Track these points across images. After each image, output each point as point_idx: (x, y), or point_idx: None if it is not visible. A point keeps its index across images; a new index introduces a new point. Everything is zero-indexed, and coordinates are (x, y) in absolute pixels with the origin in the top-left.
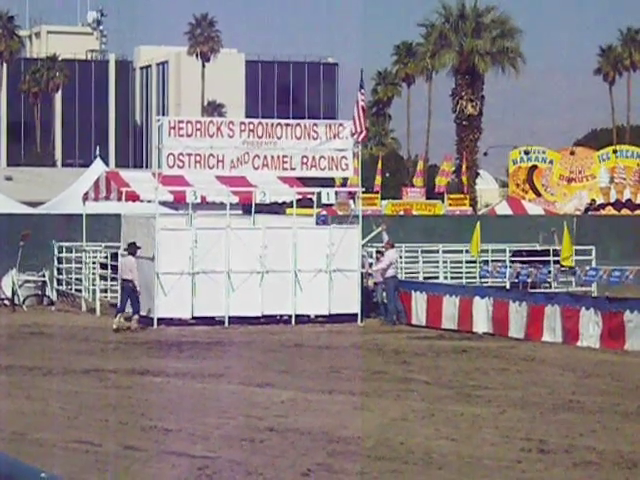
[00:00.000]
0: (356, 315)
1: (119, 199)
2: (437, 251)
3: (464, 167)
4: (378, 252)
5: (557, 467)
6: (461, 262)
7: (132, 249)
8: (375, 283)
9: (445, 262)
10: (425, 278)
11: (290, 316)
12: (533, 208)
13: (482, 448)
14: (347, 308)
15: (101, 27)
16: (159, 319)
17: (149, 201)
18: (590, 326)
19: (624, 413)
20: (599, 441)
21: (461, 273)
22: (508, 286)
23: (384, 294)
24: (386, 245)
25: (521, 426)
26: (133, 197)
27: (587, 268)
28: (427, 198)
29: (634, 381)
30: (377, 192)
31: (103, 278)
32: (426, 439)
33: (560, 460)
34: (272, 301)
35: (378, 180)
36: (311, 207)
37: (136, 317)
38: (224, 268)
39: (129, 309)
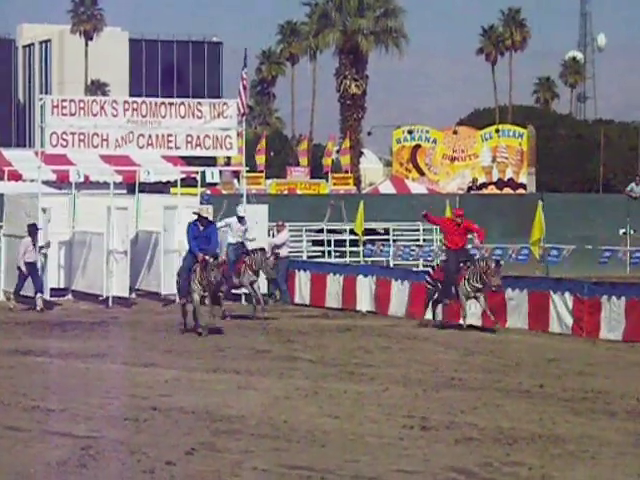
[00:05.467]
0: (241, 295)
1: (1, 178)
2: (321, 230)
3: (348, 146)
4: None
5: (439, 443)
6: (345, 241)
7: (32, 230)
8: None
9: (329, 241)
10: (309, 257)
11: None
12: (416, 187)
13: (365, 425)
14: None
15: None
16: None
17: (32, 180)
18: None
19: (505, 390)
20: (480, 418)
21: (345, 252)
22: (392, 264)
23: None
24: (279, 225)
25: (403, 403)
26: (15, 176)
27: (469, 246)
28: (311, 177)
29: (514, 358)
30: (261, 171)
31: None
32: (309, 417)
33: (442, 437)
34: (156, 280)
35: (262, 159)
36: (195, 186)
37: (39, 295)
38: (105, 248)
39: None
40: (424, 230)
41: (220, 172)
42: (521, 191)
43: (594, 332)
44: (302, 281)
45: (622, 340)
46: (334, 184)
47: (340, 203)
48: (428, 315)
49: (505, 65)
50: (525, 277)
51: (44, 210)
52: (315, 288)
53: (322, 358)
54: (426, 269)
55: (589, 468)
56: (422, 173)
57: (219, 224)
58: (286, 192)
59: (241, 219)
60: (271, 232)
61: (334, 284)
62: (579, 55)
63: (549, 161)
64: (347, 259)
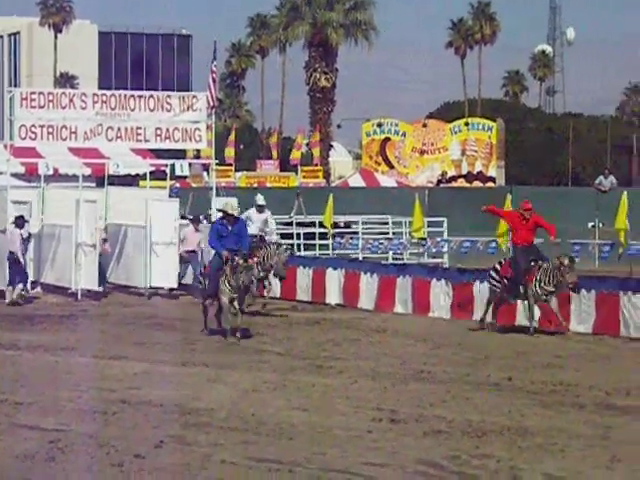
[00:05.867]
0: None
1: None
2: (290, 223)
3: (318, 139)
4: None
5: (407, 436)
6: (314, 234)
7: (19, 222)
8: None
9: (298, 234)
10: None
11: (144, 289)
12: (386, 180)
13: (333, 418)
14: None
15: None
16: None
17: (0, 173)
18: (441, 297)
19: (474, 383)
20: (449, 410)
21: (314, 245)
22: (360, 257)
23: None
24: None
25: (372, 396)
26: None
27: (438, 239)
28: (281, 170)
29: (483, 351)
30: (231, 164)
31: None
32: (278, 410)
33: (411, 429)
34: (125, 273)
35: (232, 152)
36: (164, 179)
37: (20, 287)
38: (74, 240)
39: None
40: (393, 223)
41: (189, 165)
42: (490, 184)
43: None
44: (272, 274)
45: (592, 333)
46: (304, 177)
47: (299, 197)
48: (398, 308)
49: (474, 58)
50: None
51: (24, 203)
52: (285, 281)
53: (291, 351)
54: (489, 267)
55: (558, 460)
56: (391, 166)
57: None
58: (256, 185)
59: (260, 207)
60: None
61: (303, 277)
62: (548, 49)
63: (518, 154)
64: (316, 252)
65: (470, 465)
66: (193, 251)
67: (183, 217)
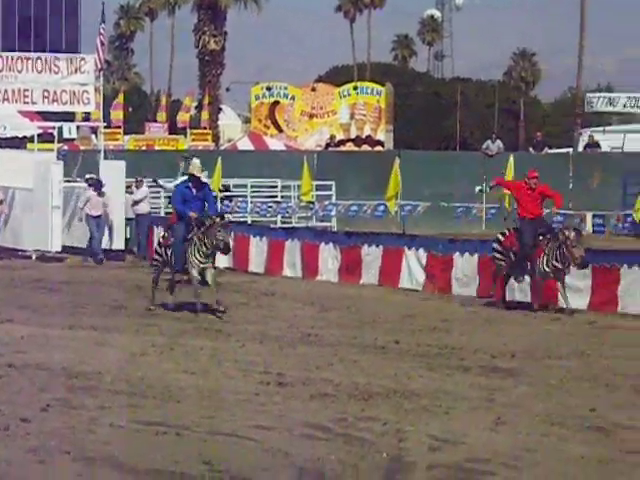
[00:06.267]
0: (103, 250)
1: None
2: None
3: (207, 102)
4: (128, 187)
5: (294, 399)
6: None
7: None
8: (127, 219)
9: None
10: (167, 214)
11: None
12: (275, 143)
13: (221, 381)
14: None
15: None
16: None
17: None
18: (329, 261)
19: (360, 346)
20: (336, 374)
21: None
22: (249, 221)
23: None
24: (137, 181)
25: (260, 360)
26: None
27: (326, 203)
28: (170, 133)
29: (370, 315)
30: (119, 127)
31: None
32: (165, 373)
33: (297, 392)
34: (13, 237)
35: (120, 115)
36: (52, 142)
37: None
38: None
39: None
40: (282, 187)
41: (77, 127)
42: (379, 148)
43: (446, 288)
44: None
45: (475, 296)
46: (192, 140)
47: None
48: (286, 272)
49: (364, 22)
50: (381, 234)
51: None
52: None
53: (179, 315)
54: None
55: (443, 422)
56: (280, 130)
57: (168, 185)
58: (144, 148)
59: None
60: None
61: None
62: (437, 13)
63: (407, 118)
64: None
65: (356, 428)
66: (99, 216)
67: (87, 181)
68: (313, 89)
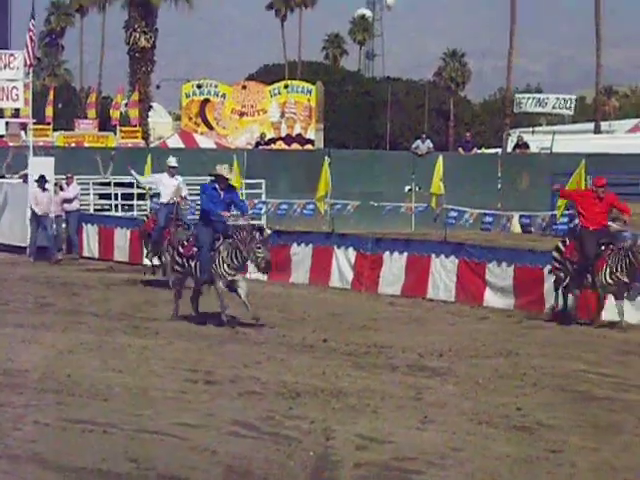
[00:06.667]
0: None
1: None
2: (109, 184)
3: (137, 99)
4: (56, 185)
5: (222, 397)
6: (133, 195)
7: None
8: (57, 216)
9: (117, 194)
10: (96, 210)
11: None
12: (205, 141)
13: (149, 379)
14: (17, 240)
15: None
16: None
17: None
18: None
19: (289, 345)
20: (263, 372)
21: (132, 205)
22: None
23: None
24: (68, 178)
25: (188, 358)
26: None
27: (256, 201)
28: (100, 130)
29: (299, 313)
30: (49, 123)
31: None
32: (93, 371)
33: (225, 390)
34: None
35: (50, 111)
36: None
37: None
38: None
39: None
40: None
41: (6, 124)
42: (309, 147)
43: (373, 287)
44: (90, 234)
45: (401, 295)
46: (122, 137)
47: (97, 157)
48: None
49: (295, 21)
50: (310, 232)
51: None
52: (103, 242)
53: (107, 312)
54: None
55: (370, 421)
56: (211, 127)
57: (143, 180)
58: (74, 145)
59: (173, 169)
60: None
61: (121, 238)
62: (368, 13)
63: (337, 118)
64: (134, 213)
65: (283, 426)
66: (46, 214)
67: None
68: (244, 87)
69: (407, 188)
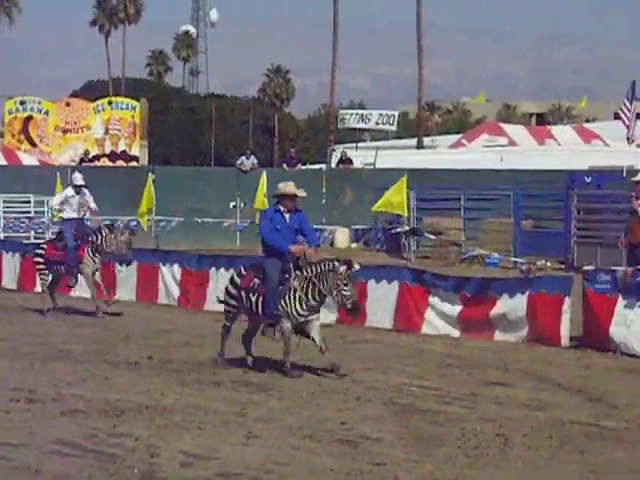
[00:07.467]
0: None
1: None
2: None
3: None
4: None
5: (44, 416)
6: None
7: None
8: None
9: None
10: None
11: None
12: (28, 158)
13: None
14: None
15: None
16: None
17: None
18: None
19: (113, 362)
20: (87, 390)
21: None
22: (2, 237)
23: None
24: None
25: (10, 377)
26: None
27: None
28: None
29: (124, 331)
30: None
31: None
32: None
33: (48, 409)
34: None
35: None
36: None
37: None
38: None
39: None
40: (35, 202)
41: None
42: (133, 163)
43: (200, 304)
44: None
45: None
46: None
47: None
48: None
49: (119, 37)
50: (136, 250)
51: None
52: None
53: None
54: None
55: (195, 438)
56: (34, 145)
57: (54, 201)
58: None
59: (78, 188)
60: None
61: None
62: (192, 29)
63: (162, 134)
64: None
65: (107, 444)
66: None
67: None
68: (67, 104)
69: (232, 204)
